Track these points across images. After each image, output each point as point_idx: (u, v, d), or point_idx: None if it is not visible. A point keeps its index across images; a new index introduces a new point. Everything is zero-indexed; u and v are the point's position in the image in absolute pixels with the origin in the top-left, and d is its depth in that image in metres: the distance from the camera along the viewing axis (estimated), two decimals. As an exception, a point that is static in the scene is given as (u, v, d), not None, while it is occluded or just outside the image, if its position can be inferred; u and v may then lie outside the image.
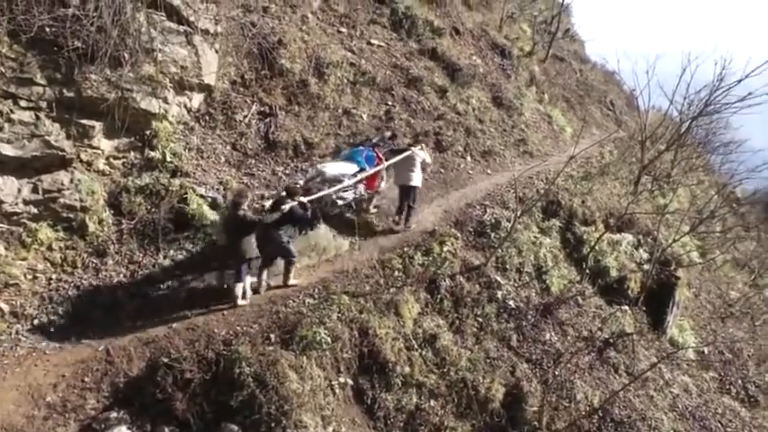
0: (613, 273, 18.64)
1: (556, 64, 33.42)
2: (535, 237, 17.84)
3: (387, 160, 16.55)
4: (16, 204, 12.42)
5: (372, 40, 21.87)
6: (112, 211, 13.85)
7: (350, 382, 12.26)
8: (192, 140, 15.56)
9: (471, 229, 16.96)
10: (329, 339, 12.06)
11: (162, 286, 13.42)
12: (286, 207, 13.28)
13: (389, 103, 20.10)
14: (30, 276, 12.55)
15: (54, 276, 12.72)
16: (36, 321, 12.13)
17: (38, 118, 12.43)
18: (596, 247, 18.41)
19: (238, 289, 13.05)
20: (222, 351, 11.37)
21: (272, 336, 12.03)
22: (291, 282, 13.94)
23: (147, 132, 14.62)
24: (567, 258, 18.45)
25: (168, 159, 14.73)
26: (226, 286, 13.51)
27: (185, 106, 15.67)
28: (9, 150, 12.03)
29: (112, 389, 11.05)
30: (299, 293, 13.47)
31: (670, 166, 28.53)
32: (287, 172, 16.52)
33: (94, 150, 13.65)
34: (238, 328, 12.23)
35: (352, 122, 18.56)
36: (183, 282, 13.65)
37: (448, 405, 13.07)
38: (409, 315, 13.74)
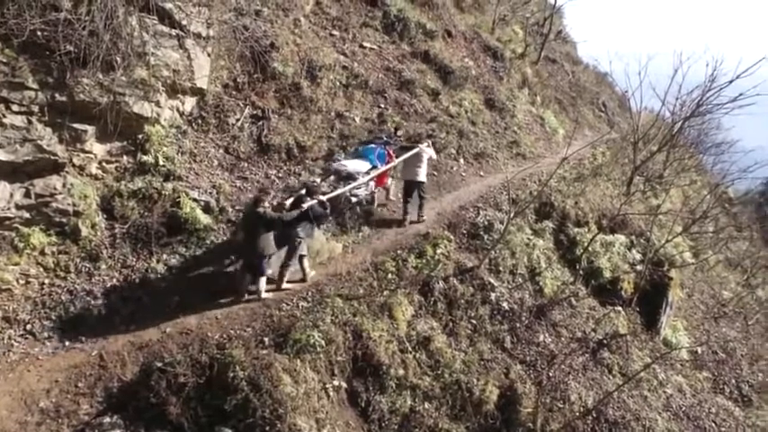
0: (606, 274, 18.66)
1: (548, 66, 33.47)
2: (528, 238, 17.86)
3: (397, 157, 17.17)
4: (8, 209, 12.38)
5: (365, 43, 21.89)
6: (105, 216, 13.83)
7: (344, 384, 12.26)
8: (185, 144, 15.54)
9: (464, 232, 16.98)
10: (323, 342, 12.06)
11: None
12: (306, 205, 13.64)
13: (382, 105, 20.12)
14: (22, 281, 12.51)
15: (47, 281, 12.68)
16: (29, 326, 12.08)
17: (30, 122, 12.40)
18: (589, 249, 18.44)
19: (262, 283, 13.39)
20: (216, 355, 11.35)
21: (266, 339, 12.03)
22: (309, 274, 14.33)
23: (140, 136, 14.61)
24: (561, 260, 18.47)
25: (161, 163, 14.72)
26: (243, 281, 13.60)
27: (178, 110, 15.66)
28: (1, 155, 11.99)
29: (106, 394, 11.04)
30: (292, 297, 13.47)
31: (662, 167, 28.61)
32: (280, 175, 16.53)
33: (87, 154, 13.63)
34: (232, 331, 12.23)
35: (345, 125, 18.57)
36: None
37: (442, 407, 13.08)
38: (403, 317, 13.74)
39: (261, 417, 10.66)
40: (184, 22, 14.97)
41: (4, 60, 12.03)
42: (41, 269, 12.73)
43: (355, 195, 16.17)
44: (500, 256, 16.57)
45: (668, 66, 25.85)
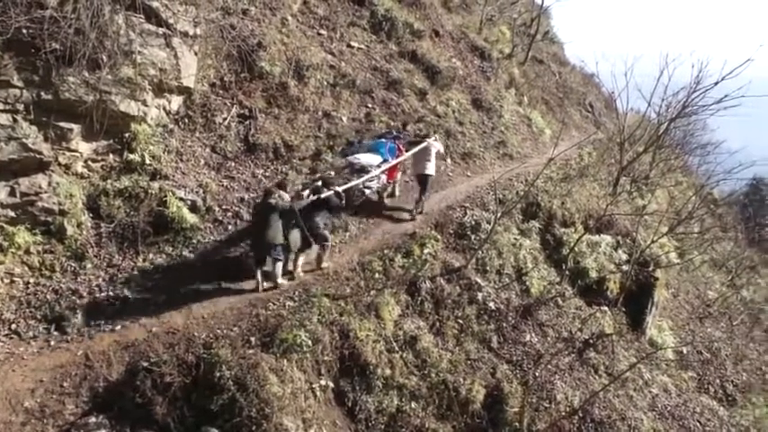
0: (593, 274, 18.73)
1: (535, 66, 33.51)
2: (515, 238, 17.90)
3: (406, 151, 17.68)
4: (-7, 208, 12.32)
5: (352, 43, 21.88)
6: (91, 215, 13.78)
7: (331, 384, 12.26)
8: (172, 143, 15.50)
9: (451, 231, 16.99)
10: (310, 342, 12.06)
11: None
12: (323, 195, 14.43)
13: (369, 105, 20.11)
14: (7, 280, 12.45)
15: (32, 280, 12.62)
16: (14, 326, 12.00)
17: (15, 120, 12.35)
18: (576, 249, 18.49)
19: (278, 269, 13.79)
20: (202, 354, 11.34)
21: (253, 339, 12.01)
22: (324, 264, 14.72)
23: (126, 135, 14.58)
24: (547, 260, 18.53)
25: (147, 162, 14.68)
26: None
27: (164, 109, 15.62)
28: (-14, 153, 11.93)
29: (91, 394, 10.98)
30: (279, 296, 13.45)
31: (648, 168, 28.69)
32: (267, 174, 16.49)
33: (73, 153, 13.59)
34: (218, 331, 12.19)
35: (332, 125, 18.55)
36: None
37: (429, 407, 13.11)
38: (390, 317, 13.75)
39: (247, 416, 10.66)
40: (171, 21, 14.93)
41: (-11, 58, 11.97)
42: (27, 268, 12.67)
43: (368, 188, 16.67)
44: (487, 255, 16.60)
45: (654, 67, 25.94)
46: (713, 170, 37.43)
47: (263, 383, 11.03)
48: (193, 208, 14.66)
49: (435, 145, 18.05)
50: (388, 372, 12.91)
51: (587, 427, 14.53)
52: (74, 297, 12.63)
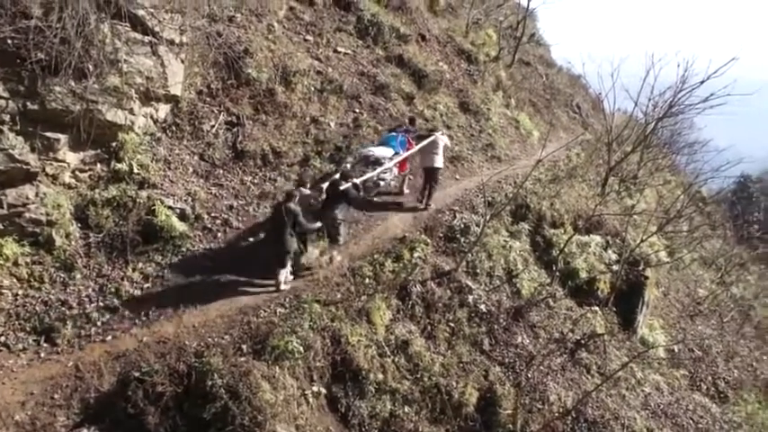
0: (583, 274, 18.78)
1: (522, 68, 33.57)
2: (505, 240, 17.93)
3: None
4: (-20, 220, 12.25)
5: (339, 48, 21.87)
6: (79, 225, 13.72)
7: (323, 390, 12.27)
8: (160, 151, 15.46)
9: (441, 235, 17.01)
10: (301, 348, 12.06)
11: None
12: (342, 187, 15.00)
13: (357, 110, 20.11)
14: (-5, 293, 12.39)
15: (20, 292, 12.55)
16: (2, 338, 11.91)
17: (1, 131, 12.30)
18: (565, 250, 18.54)
19: (282, 275, 13.99)
20: (194, 363, 11.32)
21: (244, 346, 12.00)
22: (337, 258, 15.05)
23: (114, 144, 14.52)
24: (537, 261, 18.57)
25: (135, 171, 14.64)
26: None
27: (152, 117, 15.57)
28: (-28, 165, 11.88)
29: (83, 405, 10.95)
30: (269, 303, 13.43)
31: (636, 168, 28.79)
32: (255, 181, 16.46)
33: (60, 163, 13.53)
34: (210, 339, 12.18)
35: (320, 131, 18.54)
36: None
37: (422, 411, 13.13)
38: (381, 322, 13.77)
39: (240, 425, 10.65)
40: (157, 29, 14.90)
41: (-26, 70, 11.92)
42: (15, 280, 12.59)
43: (382, 179, 17.39)
44: (477, 258, 16.63)
45: (640, 67, 26.06)
46: (701, 168, 37.64)
47: (256, 391, 11.02)
48: (182, 216, 14.62)
49: (442, 139, 18.66)
50: (380, 376, 12.92)
51: (581, 428, 14.56)
52: (63, 308, 12.56)
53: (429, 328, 14.55)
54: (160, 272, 13.76)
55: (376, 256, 15.38)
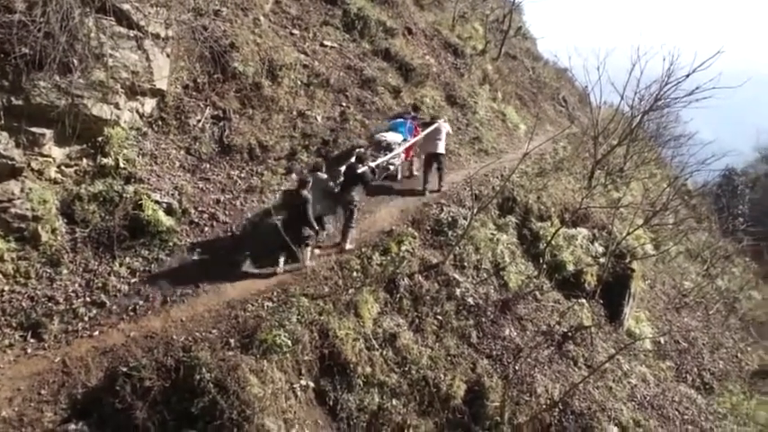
0: (570, 267, 18.86)
1: (508, 62, 33.63)
2: (492, 234, 17.98)
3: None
4: (-35, 215, 12.18)
5: (325, 42, 21.82)
6: (66, 220, 13.64)
7: (311, 384, 12.27)
8: (146, 146, 15.40)
9: (429, 228, 17.03)
10: (289, 342, 12.06)
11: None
12: (360, 170, 15.76)
13: (344, 104, 20.08)
14: (-19, 289, 12.32)
15: (6, 288, 12.48)
16: (-12, 334, 11.87)
17: (-15, 127, 12.20)
18: (552, 242, 18.61)
19: (307, 254, 14.77)
20: (181, 358, 11.31)
21: (232, 340, 12.00)
22: (348, 246, 15.57)
23: (100, 139, 14.44)
24: (524, 254, 18.63)
25: (121, 166, 14.57)
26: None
27: (137, 111, 15.50)
28: (-44, 161, 11.80)
29: (70, 401, 10.93)
30: (257, 297, 13.43)
31: (623, 161, 28.92)
32: (242, 176, 16.43)
33: (45, 158, 13.45)
34: (197, 333, 12.16)
35: (307, 124, 18.50)
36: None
37: (410, 403, 13.15)
38: (369, 315, 13.79)
39: (228, 419, 10.64)
40: (142, 23, 14.80)
41: (-43, 64, 11.83)
42: (1, 276, 12.52)
43: (392, 164, 18.59)
44: (464, 251, 16.67)
45: (626, 60, 26.16)
46: (686, 162, 37.97)
47: (244, 385, 11.01)
48: (169, 211, 14.57)
49: (445, 126, 19.49)
50: (368, 370, 12.94)
51: (568, 419, 14.64)
52: (50, 303, 12.50)
53: (417, 321, 14.58)
54: (147, 266, 13.72)
55: (364, 250, 15.39)
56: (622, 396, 16.41)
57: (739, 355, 23.57)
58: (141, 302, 13.01)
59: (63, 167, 13.96)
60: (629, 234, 20.57)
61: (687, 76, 24.39)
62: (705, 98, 24.41)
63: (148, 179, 14.88)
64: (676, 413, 17.34)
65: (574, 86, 40.75)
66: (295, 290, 13.65)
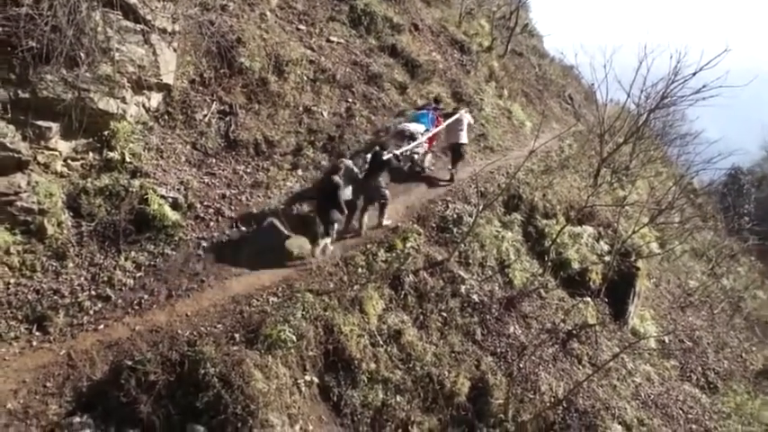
0: (575, 265, 18.83)
1: (515, 59, 33.57)
2: (497, 231, 17.97)
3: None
4: (-28, 208, 12.19)
5: (332, 38, 21.82)
6: (71, 214, 13.66)
7: (315, 380, 12.27)
8: (152, 140, 15.41)
9: (434, 225, 17.04)
10: (294, 338, 12.05)
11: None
12: (385, 157, 16.49)
13: (350, 100, 20.08)
14: (-13, 281, 12.34)
15: (12, 281, 12.50)
16: (-6, 327, 11.90)
17: (-8, 120, 12.21)
18: (558, 240, 18.59)
19: (332, 236, 15.29)
20: (186, 352, 11.29)
21: (237, 335, 12.00)
22: (385, 222, 16.59)
23: (106, 133, 14.46)
24: (530, 252, 18.61)
25: (127, 160, 14.59)
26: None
27: (144, 106, 15.52)
28: (-37, 153, 11.81)
29: (75, 393, 10.93)
30: (262, 292, 13.45)
31: (629, 159, 28.86)
32: (248, 171, 16.44)
33: (52, 152, 13.47)
34: (202, 328, 12.18)
35: (313, 120, 18.51)
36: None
37: (414, 400, 13.15)
38: (374, 311, 13.78)
39: (233, 413, 10.63)
40: (149, 18, 14.81)
41: (-35, 57, 11.84)
42: (7, 269, 12.54)
43: (416, 153, 19.34)
44: (469, 248, 16.67)
45: (633, 58, 26.09)
46: (692, 160, 37.78)
47: (248, 380, 11.00)
48: (175, 205, 14.58)
49: (466, 117, 20.34)
50: (372, 366, 12.94)
51: (572, 417, 14.62)
52: (55, 297, 12.52)
53: (421, 317, 14.57)
54: (152, 261, 13.74)
55: (369, 246, 15.42)
56: (626, 395, 16.39)
57: (744, 354, 23.49)
58: (146, 296, 13.04)
59: (69, 161, 13.98)
60: (634, 232, 20.52)
61: (694, 74, 24.29)
62: (712, 96, 24.31)
63: (154, 173, 14.90)
64: (680, 412, 17.31)
65: (580, 84, 40.72)
66: (300, 285, 13.67)
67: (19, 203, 12.78)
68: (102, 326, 12.25)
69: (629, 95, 27.28)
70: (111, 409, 10.72)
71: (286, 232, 15.29)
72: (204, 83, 17.13)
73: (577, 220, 20.28)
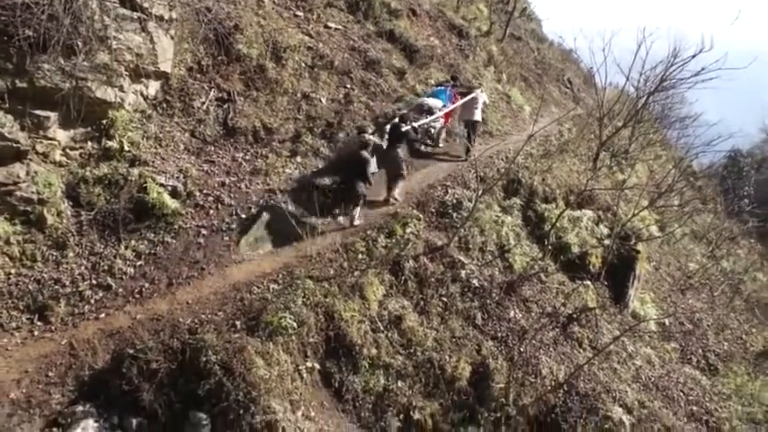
0: (575, 249, 18.82)
1: (513, 43, 33.46)
2: (497, 216, 17.96)
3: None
4: (-29, 199, 12.19)
5: (329, 24, 21.74)
6: (71, 203, 13.67)
7: (317, 366, 12.32)
8: (150, 129, 15.38)
9: (434, 210, 17.04)
10: (295, 324, 12.10)
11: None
12: (404, 128, 17.43)
13: (348, 86, 20.02)
14: (-13, 272, 12.36)
15: (13, 271, 12.52)
16: (-5, 317, 11.93)
17: (-10, 109, 12.19)
18: (557, 224, 18.58)
19: (357, 211, 16.02)
20: (188, 340, 11.36)
21: (238, 323, 12.05)
22: (396, 196, 17.16)
23: (104, 122, 14.44)
24: (529, 236, 18.60)
25: (126, 148, 14.58)
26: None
27: (142, 94, 15.48)
28: (-38, 144, 11.79)
29: (77, 382, 10.99)
30: (262, 279, 13.47)
31: (628, 142, 28.79)
32: (247, 158, 16.41)
33: (50, 141, 13.45)
34: (203, 316, 12.22)
35: (311, 106, 18.46)
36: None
37: (415, 385, 13.20)
38: (374, 297, 13.82)
39: (235, 400, 10.69)
40: (146, 5, 14.77)
41: (-39, 47, 11.80)
42: (7, 259, 12.56)
43: (433, 127, 20.35)
44: (469, 233, 16.67)
45: (632, 41, 26.03)
46: (692, 143, 37.76)
47: (250, 367, 11.06)
48: (174, 193, 14.57)
49: (482, 95, 21.30)
50: (373, 352, 12.99)
51: (573, 401, 14.65)
52: (56, 286, 12.55)
53: (422, 303, 14.60)
54: (153, 249, 13.75)
55: (368, 232, 15.41)
56: (627, 377, 16.42)
57: (744, 336, 23.51)
58: (147, 285, 13.06)
59: (68, 150, 13.96)
60: (634, 216, 20.51)
61: (693, 56, 24.19)
62: (711, 79, 24.25)
63: (153, 162, 14.88)
64: (681, 394, 17.36)
65: (579, 68, 40.59)
66: (300, 272, 13.69)
67: (18, 193, 12.79)
68: (103, 315, 12.28)
69: (628, 79, 27.26)
70: (114, 397, 10.78)
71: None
72: (202, 70, 17.09)
73: (577, 203, 20.27)
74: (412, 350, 13.57)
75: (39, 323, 12.02)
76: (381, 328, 13.45)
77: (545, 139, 23.49)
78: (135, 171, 14.36)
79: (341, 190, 16.39)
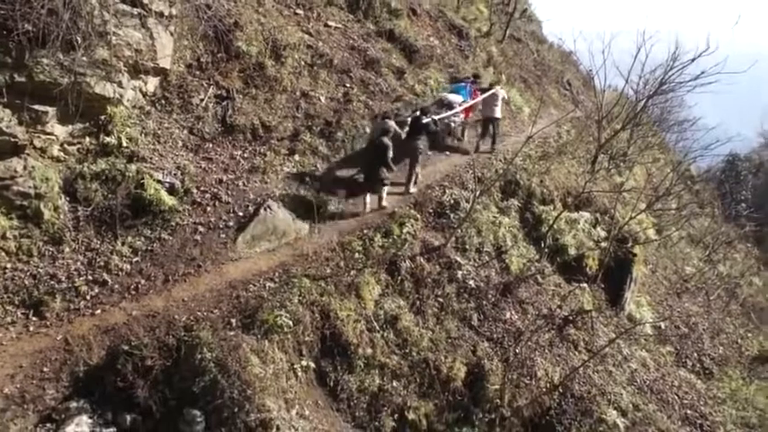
0: (572, 251, 18.83)
1: (513, 44, 33.46)
2: (494, 217, 17.97)
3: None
4: (-32, 192, 12.17)
5: (329, 22, 21.73)
6: (68, 198, 13.63)
7: (312, 364, 12.33)
8: (149, 125, 15.36)
9: (431, 210, 17.05)
10: (290, 323, 12.11)
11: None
12: (425, 120, 18.03)
13: (347, 84, 20.01)
14: (-17, 266, 12.33)
15: (9, 266, 12.50)
16: (-9, 312, 11.91)
17: (-12, 104, 12.17)
18: (555, 226, 18.59)
19: (384, 192, 16.79)
20: (183, 337, 11.36)
21: (233, 320, 12.05)
22: (411, 189, 17.77)
23: (102, 117, 14.40)
24: (526, 237, 18.61)
25: (124, 144, 14.55)
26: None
27: (140, 90, 15.46)
28: (-41, 137, 11.77)
29: (72, 378, 10.98)
30: (259, 277, 13.46)
31: (626, 145, 28.83)
32: (245, 156, 16.40)
33: (48, 136, 13.42)
34: (199, 313, 12.21)
35: (310, 105, 18.45)
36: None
37: (410, 385, 13.21)
38: (370, 297, 13.82)
39: (229, 398, 10.69)
40: (146, 1, 14.73)
41: (-40, 41, 11.78)
42: (3, 253, 12.53)
43: (453, 121, 20.94)
44: (466, 234, 16.68)
45: (631, 44, 26.07)
46: (690, 147, 37.86)
47: (245, 365, 11.06)
48: (171, 190, 14.55)
49: (501, 92, 21.86)
50: (369, 351, 12.99)
51: (567, 403, 14.66)
52: (52, 282, 12.53)
53: (418, 303, 14.61)
54: (149, 246, 13.73)
55: (366, 231, 15.44)
56: (622, 380, 16.42)
57: (739, 340, 23.56)
58: (143, 281, 13.04)
59: (66, 145, 13.93)
60: (631, 219, 20.52)
61: (692, 60, 24.26)
62: (710, 83, 24.31)
63: (151, 158, 14.86)
64: (676, 398, 17.36)
65: (578, 70, 40.57)
66: (297, 271, 13.70)
67: (15, 188, 12.75)
68: (98, 311, 12.26)
69: (627, 81, 27.31)
70: (108, 393, 10.79)
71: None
72: (201, 67, 17.07)
73: (574, 206, 20.28)
74: (407, 350, 13.57)
75: (34, 318, 11.99)
76: (377, 327, 13.46)
77: (544, 141, 23.50)
78: (133, 167, 14.32)
79: (365, 177, 17.05)
